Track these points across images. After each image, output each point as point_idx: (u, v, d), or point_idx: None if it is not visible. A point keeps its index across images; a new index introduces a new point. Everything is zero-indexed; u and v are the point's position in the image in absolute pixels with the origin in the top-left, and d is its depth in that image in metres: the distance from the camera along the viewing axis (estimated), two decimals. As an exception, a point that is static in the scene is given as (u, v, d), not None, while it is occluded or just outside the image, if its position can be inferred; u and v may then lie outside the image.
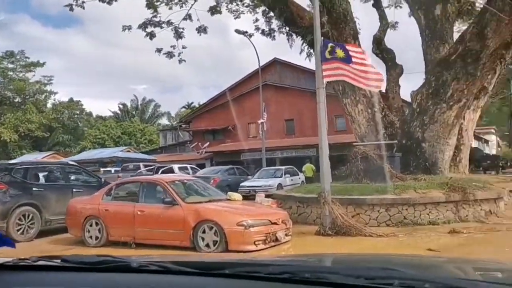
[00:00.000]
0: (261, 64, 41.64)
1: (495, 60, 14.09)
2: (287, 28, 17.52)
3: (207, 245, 8.51)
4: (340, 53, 10.21)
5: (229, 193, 10.32)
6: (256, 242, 8.44)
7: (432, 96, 14.82)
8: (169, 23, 20.45)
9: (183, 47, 20.92)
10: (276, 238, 8.78)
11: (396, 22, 22.98)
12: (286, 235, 9.21)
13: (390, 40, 24.59)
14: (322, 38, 10.66)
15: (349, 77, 10.19)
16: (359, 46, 15.85)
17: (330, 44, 10.45)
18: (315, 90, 21.64)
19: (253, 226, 8.45)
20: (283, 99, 36.55)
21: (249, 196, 17.05)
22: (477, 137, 78.49)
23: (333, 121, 34.05)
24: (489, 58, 13.81)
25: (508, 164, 49.47)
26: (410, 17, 20.32)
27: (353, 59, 10.03)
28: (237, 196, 10.15)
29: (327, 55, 10.33)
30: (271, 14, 19.21)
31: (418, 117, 15.13)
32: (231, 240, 8.31)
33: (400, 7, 22.66)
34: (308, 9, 16.46)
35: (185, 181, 10.41)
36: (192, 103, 67.14)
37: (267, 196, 14.19)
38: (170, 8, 20.50)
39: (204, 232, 8.58)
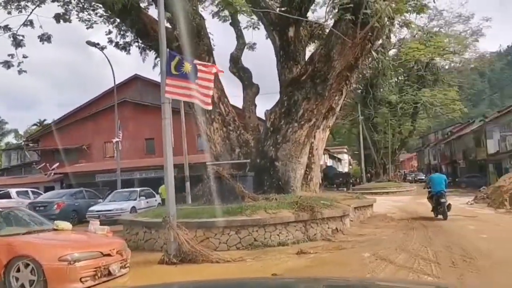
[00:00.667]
0: (121, 80, 39.97)
1: (341, 81, 14.63)
2: (140, 41, 16.51)
3: (22, 286, 7.08)
4: (187, 67, 9.53)
5: (56, 222, 8.88)
6: (83, 279, 7.24)
7: (285, 116, 14.89)
8: (6, 28, 18.13)
9: (24, 57, 18.63)
10: (109, 272, 7.67)
11: (254, 43, 23.27)
12: (122, 267, 8.13)
13: (252, 60, 24.75)
14: (168, 50, 9.88)
15: (189, 96, 9.56)
16: (214, 62, 15.46)
17: (177, 57, 9.70)
18: (178, 108, 21.19)
19: (80, 260, 7.26)
20: (143, 117, 34.94)
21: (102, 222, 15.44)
22: (331, 156, 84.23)
23: (195, 140, 33.42)
24: (336, 79, 14.29)
25: (357, 181, 53.37)
26: (267, 39, 20.66)
27: (199, 75, 9.42)
28: (65, 225, 8.77)
29: (173, 70, 9.59)
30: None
31: (272, 136, 15.08)
32: (51, 279, 7.02)
33: (258, 28, 22.97)
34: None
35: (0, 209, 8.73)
36: (44, 120, 61.88)
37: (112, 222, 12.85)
38: (9, 13, 18.25)
39: (18, 270, 7.14)
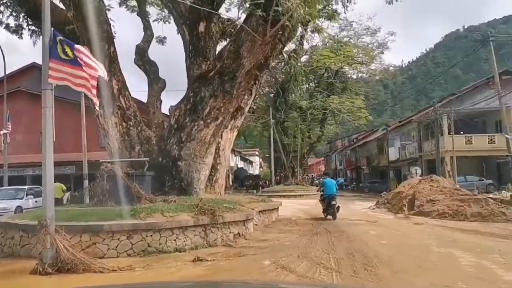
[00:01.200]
0: (17, 68, 36.67)
1: (250, 80, 14.07)
2: (31, 22, 14.79)
3: None
4: (69, 52, 8.35)
5: None
6: None
7: (190, 113, 14.03)
8: None
9: None
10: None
11: (165, 37, 22.14)
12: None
13: (163, 56, 23.58)
14: (53, 29, 8.61)
15: (76, 84, 8.41)
16: (115, 51, 14.22)
17: (59, 38, 8.45)
18: (79, 101, 19.36)
19: None
20: (40, 109, 32.16)
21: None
22: (243, 158, 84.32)
23: (98, 136, 31.44)
24: (245, 78, 13.69)
25: (267, 183, 53.68)
26: (178, 33, 19.65)
27: (84, 60, 8.29)
28: None
29: (60, 53, 8.36)
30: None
31: (176, 134, 14.15)
32: None
33: (169, 22, 21.87)
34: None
35: None
36: None
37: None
38: None
39: None
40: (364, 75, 51.05)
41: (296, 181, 44.09)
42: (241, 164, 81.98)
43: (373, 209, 22.97)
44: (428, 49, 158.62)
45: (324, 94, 44.46)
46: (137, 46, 18.23)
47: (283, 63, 44.05)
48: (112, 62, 14.07)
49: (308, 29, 45.53)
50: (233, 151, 77.42)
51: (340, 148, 77.10)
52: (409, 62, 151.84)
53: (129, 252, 9.50)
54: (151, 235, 9.72)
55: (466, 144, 32.87)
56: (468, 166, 32.94)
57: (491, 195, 25.80)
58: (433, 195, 18.73)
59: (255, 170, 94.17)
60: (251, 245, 10.78)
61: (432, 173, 25.77)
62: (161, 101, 17.45)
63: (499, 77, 32.75)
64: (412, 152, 40.53)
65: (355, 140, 68.96)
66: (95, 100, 8.59)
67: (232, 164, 74.54)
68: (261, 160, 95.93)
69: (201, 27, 17.47)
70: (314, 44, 46.12)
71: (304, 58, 47.31)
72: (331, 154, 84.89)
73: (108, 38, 13.93)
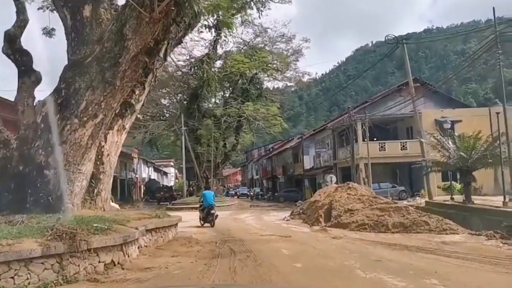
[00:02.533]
0: None
1: (138, 68, 11.36)
2: None
3: None
4: None
5: None
6: None
7: (61, 108, 11.03)
8: None
9: None
10: None
11: (53, 29, 18.78)
12: None
13: (50, 48, 20.08)
14: None
15: None
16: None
17: None
18: None
19: None
20: None
21: None
22: (156, 169, 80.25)
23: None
24: (130, 65, 10.97)
25: (180, 194, 50.64)
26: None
27: None
28: None
29: None
30: None
31: (43, 136, 11.05)
32: None
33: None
34: None
35: None
36: None
37: None
38: None
39: None
40: (280, 85, 49.95)
41: (210, 191, 41.47)
42: (154, 176, 77.88)
43: (287, 220, 21.03)
44: (340, 62, 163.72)
45: (239, 101, 42.43)
46: (6, 33, 14.78)
47: (195, 67, 41.59)
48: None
49: (222, 34, 43.93)
50: (145, 161, 73.34)
51: (256, 158, 75.68)
52: (322, 74, 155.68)
53: None
54: (-28, 274, 6.72)
55: (379, 150, 32.24)
56: (381, 173, 32.34)
57: (404, 202, 24.99)
58: (351, 204, 17.06)
59: (170, 181, 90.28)
60: (127, 277, 8.07)
61: (347, 181, 24.50)
62: (34, 98, 14.14)
63: (407, 84, 32.70)
64: (326, 159, 39.61)
65: (271, 149, 67.79)
66: None
67: (144, 175, 70.37)
68: (176, 171, 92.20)
69: (86, 11, 14.49)
70: (228, 49, 44.07)
71: (218, 64, 45.17)
72: (248, 164, 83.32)
73: None
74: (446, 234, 12.63)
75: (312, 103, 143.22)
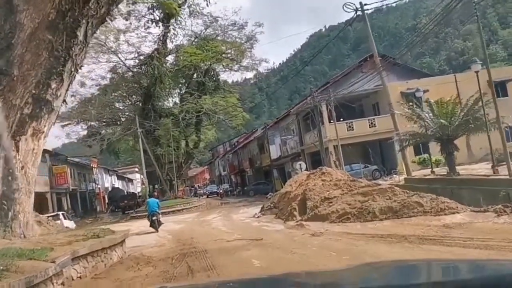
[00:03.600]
0: None
1: (41, 51, 8.67)
2: None
3: None
4: None
5: None
6: None
7: None
8: None
9: None
10: None
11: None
12: None
13: None
14: None
15: None
16: None
17: None
18: None
19: None
20: None
21: None
22: (120, 177, 76.52)
23: None
24: (28, 46, 8.31)
25: (144, 200, 47.55)
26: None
27: None
28: None
29: None
30: None
31: None
32: None
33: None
34: None
35: None
36: None
37: None
38: None
39: None
40: (237, 76, 47.49)
41: (175, 194, 38.73)
42: (119, 184, 74.16)
43: (258, 217, 18.72)
44: (296, 50, 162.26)
45: (195, 95, 39.71)
46: None
47: (145, 65, 38.63)
48: None
49: (171, 27, 41.03)
50: (107, 170, 69.55)
51: (222, 154, 73.08)
52: (280, 63, 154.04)
53: None
54: None
55: (348, 131, 30.30)
56: (352, 154, 30.45)
57: (379, 181, 23.08)
58: (327, 191, 14.83)
59: (136, 188, 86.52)
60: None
61: (318, 166, 22.43)
62: None
63: (366, 60, 30.89)
64: (293, 147, 37.45)
65: (236, 143, 65.31)
66: None
67: (107, 185, 66.63)
68: (142, 176, 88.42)
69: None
70: (179, 43, 41.23)
71: (170, 59, 42.31)
72: (214, 161, 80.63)
73: None
74: (445, 215, 10.54)
75: (272, 93, 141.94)
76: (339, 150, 27.90)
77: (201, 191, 63.00)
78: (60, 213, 24.46)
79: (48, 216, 25.03)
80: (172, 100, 44.85)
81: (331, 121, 30.16)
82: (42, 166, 39.91)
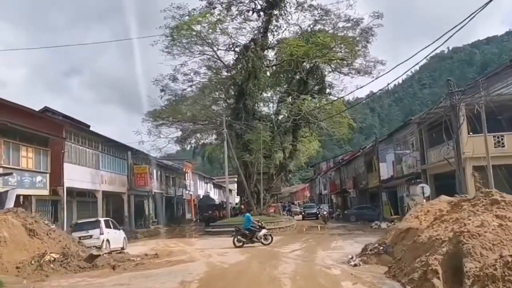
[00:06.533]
0: None
1: None
2: None
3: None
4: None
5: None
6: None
7: None
8: None
9: None
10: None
11: None
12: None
13: None
14: None
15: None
16: None
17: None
18: None
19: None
20: None
21: None
22: (217, 186, 71.48)
23: None
24: None
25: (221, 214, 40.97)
26: None
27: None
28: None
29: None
30: None
31: None
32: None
33: None
34: None
35: None
36: None
37: None
38: None
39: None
40: (346, 80, 38.86)
41: (260, 210, 31.53)
42: (214, 193, 69.26)
43: (355, 265, 10.66)
44: (413, 71, 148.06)
45: (294, 96, 32.40)
46: None
47: (239, 55, 32.37)
48: None
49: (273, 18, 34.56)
50: (202, 177, 64.94)
51: (324, 171, 64.74)
52: (395, 85, 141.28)
53: None
54: None
55: (495, 147, 20.80)
56: (501, 179, 20.70)
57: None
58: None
59: (234, 198, 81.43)
60: None
61: (443, 192, 14.06)
62: None
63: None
64: (411, 165, 28.21)
65: (340, 161, 56.58)
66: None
67: (200, 192, 61.87)
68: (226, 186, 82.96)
69: None
70: (281, 37, 34.32)
71: (270, 55, 35.63)
72: (315, 178, 72.47)
73: None
74: None
75: (386, 115, 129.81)
76: (489, 171, 18.51)
77: (297, 209, 55.20)
78: (101, 219, 18.41)
79: (83, 222, 19.35)
80: (267, 101, 38.02)
81: (470, 133, 21.01)
82: (122, 163, 35.58)
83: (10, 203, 17.83)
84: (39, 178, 21.36)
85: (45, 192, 21.95)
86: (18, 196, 19.62)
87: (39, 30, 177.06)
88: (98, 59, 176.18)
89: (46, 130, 22.29)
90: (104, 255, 12.17)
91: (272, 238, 18.79)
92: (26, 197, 20.95)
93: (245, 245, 17.73)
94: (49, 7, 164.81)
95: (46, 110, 28.69)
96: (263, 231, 18.81)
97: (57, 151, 23.24)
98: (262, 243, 18.07)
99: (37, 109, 26.11)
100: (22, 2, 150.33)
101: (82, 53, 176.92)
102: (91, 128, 29.81)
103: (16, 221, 11.50)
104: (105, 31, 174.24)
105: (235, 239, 18.03)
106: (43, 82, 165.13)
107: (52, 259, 10.75)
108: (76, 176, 24.96)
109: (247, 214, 21.70)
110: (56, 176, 22.82)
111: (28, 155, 20.74)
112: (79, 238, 16.84)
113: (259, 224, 19.43)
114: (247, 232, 18.28)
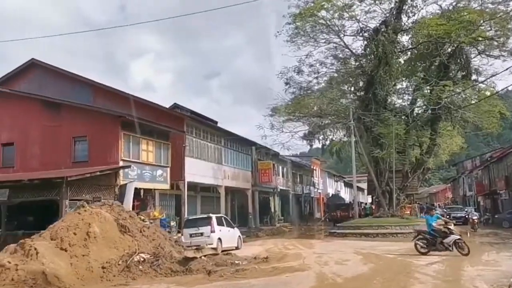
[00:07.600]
0: (15, 67, 27.48)
1: None
2: None
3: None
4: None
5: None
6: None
7: None
8: None
9: None
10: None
11: None
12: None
13: None
14: None
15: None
16: None
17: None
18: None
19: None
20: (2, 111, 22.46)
21: None
22: (348, 184, 67.94)
23: (71, 146, 20.36)
24: None
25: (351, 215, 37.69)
26: None
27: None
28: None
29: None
30: None
31: None
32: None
33: None
34: None
35: None
36: None
37: None
38: None
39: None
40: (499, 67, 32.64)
41: (392, 211, 27.94)
42: (345, 192, 65.91)
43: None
44: None
45: (433, 83, 28.05)
46: None
47: (368, 40, 29.10)
48: None
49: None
50: (332, 175, 62.02)
51: (469, 170, 57.13)
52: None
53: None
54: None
55: None
56: None
57: None
58: None
59: (367, 198, 76.91)
60: None
61: None
62: None
63: None
64: None
65: (489, 159, 49.03)
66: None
67: (330, 190, 59.10)
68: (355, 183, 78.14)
69: None
70: (417, 18, 30.12)
71: (404, 40, 31.63)
72: (459, 178, 64.60)
73: None
74: None
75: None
76: None
77: (437, 212, 49.19)
78: (212, 216, 17.12)
79: (195, 218, 18.28)
80: (401, 93, 33.91)
81: None
82: (246, 159, 34.77)
83: (129, 196, 17.58)
84: (159, 172, 21.09)
85: (166, 186, 21.66)
86: (139, 190, 19.44)
87: (181, 37, 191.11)
88: (234, 61, 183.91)
89: (166, 124, 22.02)
90: (202, 257, 10.62)
91: (468, 248, 14.63)
92: (149, 190, 20.79)
93: (430, 253, 14.77)
94: (189, 16, 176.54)
95: (175, 106, 29.13)
96: (452, 237, 14.88)
97: (178, 145, 22.92)
98: (459, 251, 14.48)
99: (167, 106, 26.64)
100: (167, 13, 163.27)
101: (220, 57, 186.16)
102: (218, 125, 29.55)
103: (109, 216, 10.61)
104: (239, 35, 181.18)
105: (417, 245, 15.25)
106: (186, 86, 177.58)
107: (142, 259, 9.51)
108: (198, 170, 24.46)
109: (427, 215, 17.31)
110: (177, 171, 22.48)
111: (148, 149, 20.55)
112: (190, 235, 15.88)
113: (447, 227, 15.44)
114: (429, 236, 15.23)
